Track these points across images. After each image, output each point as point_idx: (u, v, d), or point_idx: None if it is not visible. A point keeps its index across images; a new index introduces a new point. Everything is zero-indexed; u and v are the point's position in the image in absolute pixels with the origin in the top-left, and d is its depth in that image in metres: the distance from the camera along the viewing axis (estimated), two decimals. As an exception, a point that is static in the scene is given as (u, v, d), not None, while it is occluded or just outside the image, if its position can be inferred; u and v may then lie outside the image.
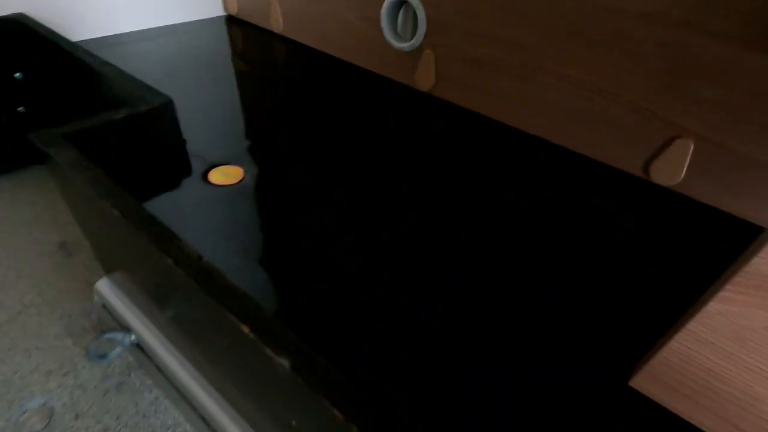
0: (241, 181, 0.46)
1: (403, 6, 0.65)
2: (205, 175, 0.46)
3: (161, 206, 0.43)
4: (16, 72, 0.68)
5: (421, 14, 0.62)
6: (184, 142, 0.50)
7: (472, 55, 0.60)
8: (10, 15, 0.65)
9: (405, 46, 0.66)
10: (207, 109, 0.60)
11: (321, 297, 0.35)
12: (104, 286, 0.52)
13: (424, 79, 0.67)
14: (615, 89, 0.50)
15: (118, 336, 0.48)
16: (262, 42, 0.83)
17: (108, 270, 0.53)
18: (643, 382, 0.31)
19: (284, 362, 0.24)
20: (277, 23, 0.83)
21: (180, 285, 0.32)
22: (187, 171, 0.48)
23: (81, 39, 0.74)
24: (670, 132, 0.48)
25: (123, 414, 0.45)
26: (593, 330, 0.34)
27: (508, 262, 0.39)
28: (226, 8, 0.92)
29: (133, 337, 0.49)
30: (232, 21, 0.90)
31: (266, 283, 0.37)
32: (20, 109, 0.71)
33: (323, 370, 0.23)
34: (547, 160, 0.55)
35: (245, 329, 0.26)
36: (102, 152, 0.42)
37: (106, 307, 0.53)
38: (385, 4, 0.65)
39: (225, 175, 0.46)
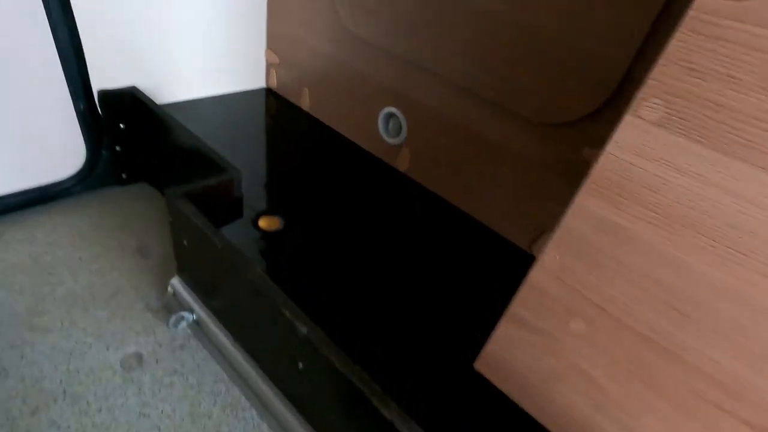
0: (278, 229, 0.75)
1: (393, 116, 0.96)
2: (255, 222, 0.76)
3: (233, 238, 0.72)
4: (122, 123, 0.97)
5: (404, 125, 0.94)
6: (242, 197, 0.80)
7: (432, 155, 0.92)
8: (126, 87, 0.95)
9: (392, 141, 0.98)
10: (249, 168, 0.89)
11: (324, 295, 0.65)
12: (176, 282, 0.81)
13: (402, 164, 0.99)
14: (511, 196, 0.81)
15: (186, 315, 0.76)
16: (292, 116, 1.14)
17: (180, 270, 0.81)
18: (480, 365, 0.60)
19: (303, 329, 0.53)
20: (305, 103, 1.14)
21: (243, 289, 0.60)
22: (240, 215, 0.77)
23: (166, 102, 1.04)
24: (540, 229, 0.80)
25: (185, 363, 0.73)
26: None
27: (429, 285, 0.69)
28: (267, 83, 1.23)
29: (194, 316, 0.77)
30: (270, 93, 1.21)
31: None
32: (117, 147, 1.00)
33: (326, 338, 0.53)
34: (467, 231, 0.86)
35: (286, 312, 0.54)
36: (198, 202, 0.71)
37: (175, 294, 0.81)
38: (381, 114, 0.97)
39: (268, 223, 0.76)
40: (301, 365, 0.58)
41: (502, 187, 0.82)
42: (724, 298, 0.37)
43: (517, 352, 0.55)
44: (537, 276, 0.49)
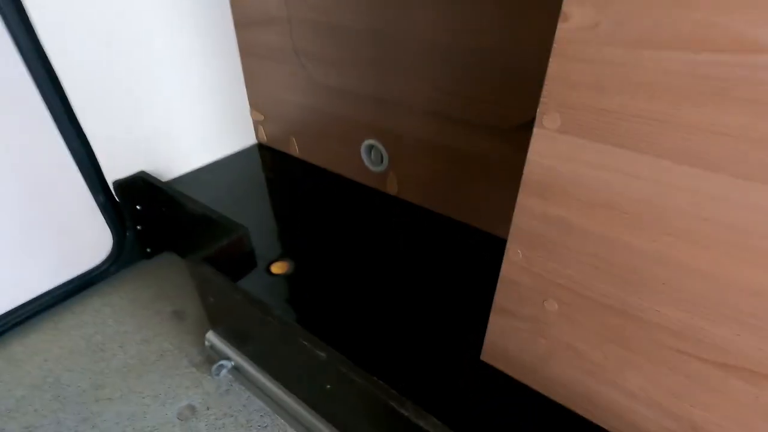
0: (290, 271, 0.84)
1: (373, 147, 1.05)
2: (267, 268, 0.85)
3: (250, 287, 0.81)
4: (138, 205, 1.09)
5: (384, 153, 1.03)
6: (253, 249, 0.89)
7: (417, 175, 1.00)
8: (136, 173, 1.07)
9: (376, 170, 1.07)
10: (255, 220, 0.99)
11: (332, 321, 0.73)
12: (211, 335, 0.90)
13: (391, 188, 1.07)
14: (502, 199, 0.89)
15: (225, 363, 0.86)
16: (285, 164, 1.24)
17: (213, 325, 0.91)
18: (485, 357, 0.67)
19: (322, 354, 0.61)
20: (294, 150, 1.25)
21: (267, 330, 0.69)
22: (254, 265, 0.86)
23: (173, 177, 1.16)
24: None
25: (232, 405, 0.82)
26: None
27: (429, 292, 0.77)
28: (258, 138, 1.34)
29: (232, 363, 0.86)
30: (262, 147, 1.32)
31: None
32: (138, 227, 1.11)
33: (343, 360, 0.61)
34: (467, 238, 0.93)
35: (305, 342, 0.63)
36: (216, 262, 0.81)
37: (212, 347, 0.91)
38: (363, 146, 1.06)
39: (279, 268, 0.85)
40: (328, 386, 0.66)
41: (491, 193, 0.90)
42: (650, 261, 0.43)
43: (511, 339, 0.61)
44: (508, 270, 0.56)
